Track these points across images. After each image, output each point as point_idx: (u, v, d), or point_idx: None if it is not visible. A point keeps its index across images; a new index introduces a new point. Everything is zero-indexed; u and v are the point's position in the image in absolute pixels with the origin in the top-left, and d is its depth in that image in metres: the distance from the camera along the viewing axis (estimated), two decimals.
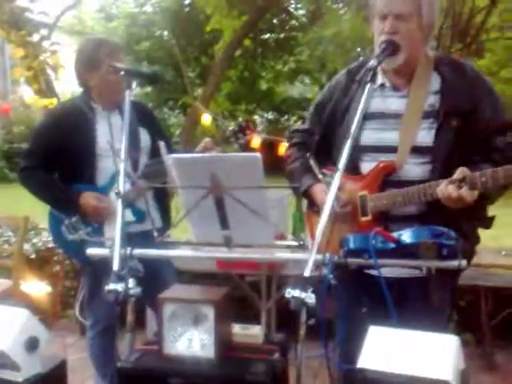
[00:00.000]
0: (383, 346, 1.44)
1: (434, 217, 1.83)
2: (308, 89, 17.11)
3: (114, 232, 2.50)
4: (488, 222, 1.99)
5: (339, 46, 9.27)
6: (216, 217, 1.75)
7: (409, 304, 1.86)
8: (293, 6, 14.40)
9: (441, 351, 1.39)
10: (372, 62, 1.81)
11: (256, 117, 15.63)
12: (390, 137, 1.95)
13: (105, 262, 1.76)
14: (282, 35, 14.81)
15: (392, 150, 1.93)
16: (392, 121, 1.95)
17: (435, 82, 1.94)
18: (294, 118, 16.72)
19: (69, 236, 2.60)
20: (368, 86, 1.80)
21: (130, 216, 2.48)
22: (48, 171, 2.65)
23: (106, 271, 1.68)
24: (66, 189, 2.60)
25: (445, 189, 1.75)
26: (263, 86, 15.60)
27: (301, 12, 14.77)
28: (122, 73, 2.04)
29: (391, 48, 1.87)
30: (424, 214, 1.90)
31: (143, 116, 2.71)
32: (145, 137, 2.71)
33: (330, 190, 1.65)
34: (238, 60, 13.28)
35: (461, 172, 1.75)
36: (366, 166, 1.99)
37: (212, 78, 5.78)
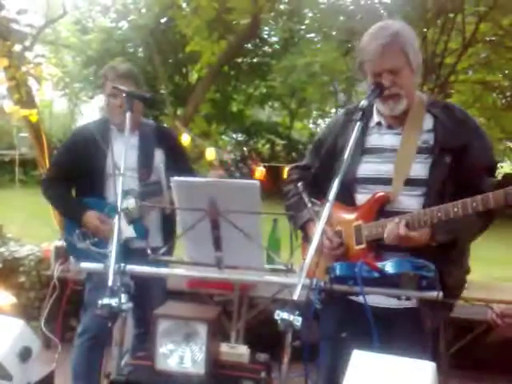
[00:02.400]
0: (365, 369, 1.53)
1: (425, 247, 1.93)
2: (277, 113, 17.40)
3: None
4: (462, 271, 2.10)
5: (311, 76, 9.52)
6: (210, 238, 1.84)
7: (395, 334, 1.94)
8: (266, 32, 14.70)
9: (419, 376, 1.49)
10: (363, 103, 1.93)
11: (224, 137, 15.75)
12: (384, 169, 2.07)
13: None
14: (254, 60, 15.05)
15: (386, 181, 2.05)
16: (388, 154, 2.08)
17: (428, 122, 2.07)
18: (263, 142, 16.94)
19: (78, 243, 2.79)
20: (357, 124, 1.91)
21: (131, 232, 2.68)
22: (66, 184, 2.91)
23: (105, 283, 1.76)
24: (76, 203, 2.87)
25: (395, 227, 1.89)
26: (234, 108, 15.76)
27: (274, 39, 15.11)
28: (124, 95, 2.13)
29: (379, 89, 2.00)
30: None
31: (162, 138, 2.96)
32: (160, 157, 2.90)
33: (320, 220, 1.75)
34: None
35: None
36: (361, 197, 2.10)
37: (193, 99, 5.88)
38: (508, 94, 7.69)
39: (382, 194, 2.04)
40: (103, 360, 2.39)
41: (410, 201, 2.02)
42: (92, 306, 2.75)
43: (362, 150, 2.09)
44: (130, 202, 2.66)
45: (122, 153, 2.04)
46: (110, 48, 13.08)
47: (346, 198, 2.08)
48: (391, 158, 2.06)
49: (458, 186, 1.96)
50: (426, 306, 1.96)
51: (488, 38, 5.55)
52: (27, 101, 4.75)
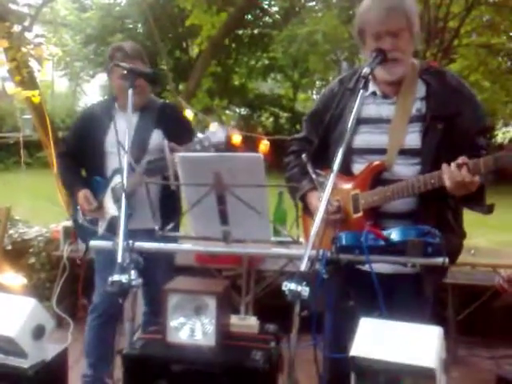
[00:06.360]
0: (373, 336, 1.56)
1: (423, 214, 1.97)
2: (279, 85, 17.24)
3: (103, 228, 2.77)
4: (489, 209, 2.04)
5: (313, 45, 9.40)
6: (216, 213, 1.85)
7: (397, 299, 1.97)
8: (266, 2, 14.49)
9: (426, 341, 1.51)
10: (365, 70, 1.91)
11: (228, 112, 15.64)
12: (380, 139, 2.08)
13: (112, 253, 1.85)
14: (255, 31, 14.87)
15: (382, 152, 2.07)
16: (383, 125, 2.09)
17: (421, 89, 2.07)
18: (266, 115, 16.83)
19: (78, 218, 2.90)
20: (361, 92, 1.91)
21: (116, 211, 2.57)
22: (75, 161, 2.96)
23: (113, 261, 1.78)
24: (75, 180, 2.92)
25: (456, 173, 1.80)
26: (236, 81, 15.62)
27: (274, 9, 14.90)
28: (125, 72, 2.12)
29: (381, 56, 1.98)
30: (414, 211, 2.02)
31: (162, 117, 2.82)
32: (158, 137, 2.77)
33: (325, 190, 1.76)
34: None
35: (462, 158, 1.83)
36: (358, 166, 2.12)
37: (194, 73, 5.83)
38: None
39: (377, 162, 2.06)
40: (115, 337, 2.42)
41: (406, 169, 2.03)
42: (100, 284, 2.83)
43: (357, 119, 2.06)
44: (117, 181, 2.66)
45: (126, 131, 2.05)
46: (109, 25, 12.97)
47: (342, 167, 2.07)
48: (386, 129, 2.08)
49: (452, 151, 1.94)
50: (427, 271, 1.97)
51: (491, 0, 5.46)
52: (29, 82, 4.72)
